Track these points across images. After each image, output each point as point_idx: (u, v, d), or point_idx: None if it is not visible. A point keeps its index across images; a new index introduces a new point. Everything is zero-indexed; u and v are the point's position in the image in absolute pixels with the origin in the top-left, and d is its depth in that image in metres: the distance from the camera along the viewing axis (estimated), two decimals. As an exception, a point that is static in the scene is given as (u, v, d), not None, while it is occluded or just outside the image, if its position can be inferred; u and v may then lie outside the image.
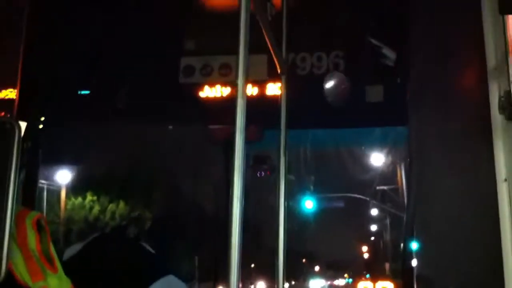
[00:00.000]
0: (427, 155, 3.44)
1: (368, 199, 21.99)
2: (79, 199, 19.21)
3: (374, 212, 25.48)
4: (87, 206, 19.23)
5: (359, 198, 22.18)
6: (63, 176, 18.56)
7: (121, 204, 18.94)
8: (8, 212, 2.93)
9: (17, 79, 2.81)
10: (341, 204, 23.05)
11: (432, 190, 3.33)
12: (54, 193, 18.46)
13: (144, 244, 3.45)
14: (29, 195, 4.25)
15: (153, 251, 3.41)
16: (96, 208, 19.10)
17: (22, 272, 2.96)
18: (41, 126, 4.15)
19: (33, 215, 3.15)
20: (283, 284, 3.06)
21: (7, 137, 2.91)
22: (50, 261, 2.99)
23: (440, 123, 3.19)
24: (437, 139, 3.28)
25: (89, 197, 19.13)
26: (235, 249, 1.77)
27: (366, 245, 32.91)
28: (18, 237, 3.02)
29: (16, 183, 3.05)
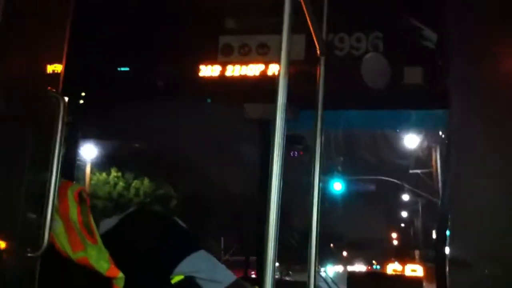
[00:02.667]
0: (467, 140, 3.40)
1: (400, 183, 21.47)
2: (104, 175, 19.31)
3: (406, 197, 25.03)
4: (112, 182, 19.32)
5: (391, 181, 21.68)
6: (90, 151, 18.56)
7: (146, 181, 19.03)
8: (52, 184, 3.05)
9: (62, 54, 2.88)
10: (371, 187, 22.45)
11: (470, 176, 3.29)
12: (80, 168, 18.60)
13: (177, 219, 3.51)
14: (69, 168, 4.36)
15: (185, 226, 3.47)
16: (121, 184, 19.21)
17: (63, 242, 3.08)
18: (81, 102, 4.23)
19: (75, 187, 3.26)
20: (316, 266, 3.07)
21: (53, 110, 2.99)
22: (90, 232, 3.10)
23: (482, 109, 3.15)
24: (478, 125, 3.24)
25: (113, 173, 19.22)
26: (273, 226, 1.80)
27: (396, 232, 32.57)
28: (60, 208, 3.14)
29: (60, 156, 3.15)
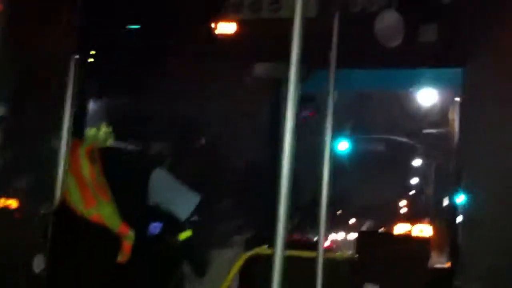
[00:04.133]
0: (482, 99, 3.35)
1: (412, 142, 20.82)
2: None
3: (417, 160, 24.60)
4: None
5: (403, 142, 21.03)
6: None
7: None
8: (64, 142, 3.05)
9: (75, 14, 2.85)
10: (381, 147, 21.63)
11: (485, 135, 3.26)
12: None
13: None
14: (79, 126, 4.36)
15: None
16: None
17: (75, 199, 3.12)
18: (91, 60, 4.21)
19: (86, 145, 3.26)
20: (327, 227, 3.07)
21: (64, 69, 2.97)
22: (103, 189, 3.12)
23: (498, 67, 3.09)
24: (494, 82, 3.19)
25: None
26: (285, 185, 1.80)
27: (406, 198, 32.34)
28: (72, 166, 3.16)
29: (72, 115, 3.15)
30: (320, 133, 3.18)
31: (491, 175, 3.34)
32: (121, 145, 3.26)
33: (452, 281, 3.79)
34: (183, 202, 3.29)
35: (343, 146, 15.40)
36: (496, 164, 3.27)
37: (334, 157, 3.20)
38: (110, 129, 3.39)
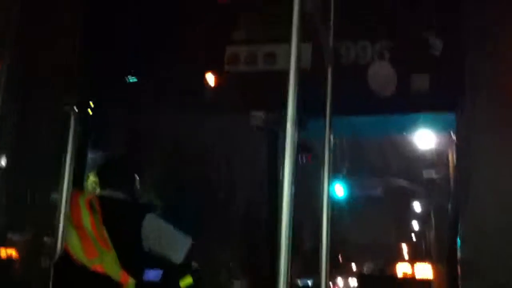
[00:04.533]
0: (475, 144, 3.42)
1: (411, 187, 20.59)
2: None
3: (417, 205, 24.39)
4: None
5: (401, 187, 20.73)
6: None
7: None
8: (64, 193, 3.09)
9: (75, 66, 2.94)
10: (378, 193, 21.31)
11: (481, 180, 3.31)
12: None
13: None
14: (79, 178, 4.41)
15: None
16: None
17: (77, 250, 3.14)
18: (90, 112, 4.28)
19: (86, 195, 3.30)
20: (327, 273, 3.08)
21: (65, 121, 3.04)
22: (103, 239, 3.14)
23: (491, 111, 3.17)
24: (487, 127, 3.26)
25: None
26: (286, 232, 1.83)
27: (407, 245, 31.86)
28: (73, 217, 3.18)
29: (72, 166, 3.21)
30: (318, 178, 3.22)
31: (488, 218, 3.37)
32: (112, 193, 3.30)
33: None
34: (175, 245, 3.30)
35: (339, 190, 15.22)
36: (492, 206, 3.31)
37: (333, 202, 3.24)
38: (97, 178, 3.43)
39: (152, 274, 3.22)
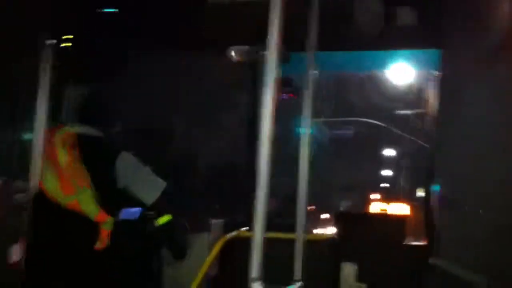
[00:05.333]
0: (459, 82, 3.37)
1: (385, 125, 19.81)
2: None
3: (390, 144, 23.99)
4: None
5: (374, 124, 19.68)
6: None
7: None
8: (39, 130, 2.98)
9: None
10: (349, 132, 19.75)
11: (462, 118, 3.28)
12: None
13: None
14: (55, 113, 4.26)
15: None
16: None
17: (53, 188, 3.07)
18: (68, 44, 4.10)
19: (62, 132, 3.20)
20: (305, 215, 3.06)
21: (40, 55, 2.89)
22: (81, 176, 3.07)
23: (476, 48, 3.10)
24: (471, 65, 3.20)
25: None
26: (265, 169, 1.77)
27: (378, 193, 32.04)
28: (48, 154, 3.09)
29: (47, 101, 3.07)
30: (299, 115, 3.16)
31: (466, 156, 3.37)
32: (88, 130, 3.21)
33: (427, 258, 3.85)
34: (147, 186, 3.27)
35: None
36: (470, 144, 3.30)
37: (313, 140, 3.19)
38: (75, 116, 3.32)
39: (130, 213, 3.20)
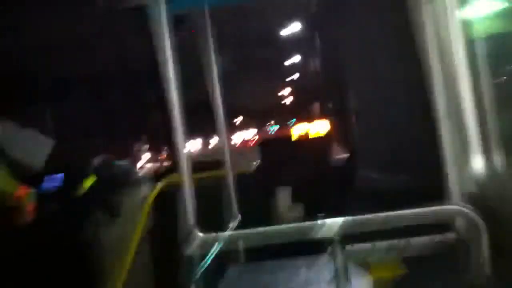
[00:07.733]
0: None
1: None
2: None
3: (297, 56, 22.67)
4: None
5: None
6: None
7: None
8: None
9: None
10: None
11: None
12: None
13: None
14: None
15: None
16: None
17: None
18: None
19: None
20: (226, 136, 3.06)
21: None
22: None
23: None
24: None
25: None
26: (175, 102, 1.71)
27: (288, 86, 30.59)
28: None
29: None
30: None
31: (376, 68, 3.45)
32: None
33: (353, 169, 3.99)
34: (33, 149, 3.09)
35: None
36: (380, 56, 3.37)
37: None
38: None
39: (51, 180, 3.08)
